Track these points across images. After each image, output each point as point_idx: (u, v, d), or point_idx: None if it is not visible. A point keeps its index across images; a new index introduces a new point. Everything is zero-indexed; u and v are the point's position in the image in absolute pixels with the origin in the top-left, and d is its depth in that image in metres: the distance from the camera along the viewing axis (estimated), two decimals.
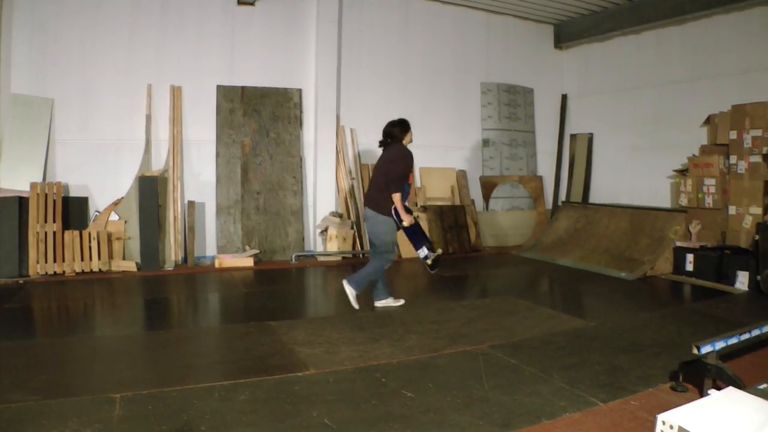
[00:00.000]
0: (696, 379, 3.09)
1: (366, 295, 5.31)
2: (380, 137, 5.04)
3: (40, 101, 6.41)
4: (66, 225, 6.21)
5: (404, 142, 4.92)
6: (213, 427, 2.63)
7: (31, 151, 6.33)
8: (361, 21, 8.15)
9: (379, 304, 5.03)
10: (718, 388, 2.61)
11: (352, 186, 7.92)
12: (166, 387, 3.08)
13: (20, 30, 6.34)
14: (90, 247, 6.20)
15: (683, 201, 7.11)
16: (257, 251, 7.19)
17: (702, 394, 2.92)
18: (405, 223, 4.76)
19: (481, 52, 9.14)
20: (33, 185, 6.07)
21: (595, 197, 9.27)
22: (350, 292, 4.87)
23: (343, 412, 2.83)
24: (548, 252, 7.98)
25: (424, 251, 4.88)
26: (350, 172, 7.96)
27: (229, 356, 3.80)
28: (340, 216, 7.69)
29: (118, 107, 6.80)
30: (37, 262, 5.96)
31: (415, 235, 4.93)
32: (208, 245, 7.26)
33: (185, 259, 6.88)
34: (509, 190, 9.26)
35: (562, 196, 9.75)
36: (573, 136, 9.79)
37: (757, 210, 6.29)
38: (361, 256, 7.60)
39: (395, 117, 5.10)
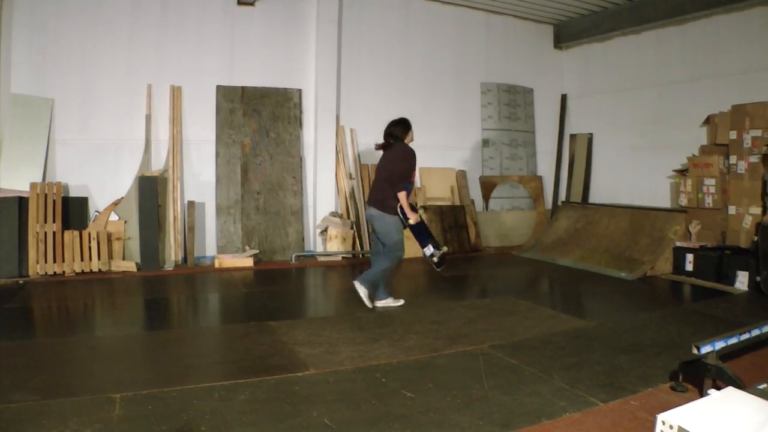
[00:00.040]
0: (696, 379, 3.09)
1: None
2: (380, 137, 5.05)
3: (40, 101, 6.41)
4: (66, 225, 6.21)
5: (406, 141, 4.93)
6: (213, 427, 2.63)
7: (31, 151, 6.33)
8: (361, 21, 8.15)
9: (379, 304, 5.03)
10: (718, 388, 2.61)
11: (352, 186, 7.92)
12: (166, 387, 3.08)
13: (20, 30, 6.34)
14: (90, 248, 6.20)
15: (683, 201, 7.11)
16: (257, 251, 7.19)
17: (702, 394, 2.92)
18: (411, 221, 4.79)
19: (481, 52, 9.14)
20: (33, 185, 6.07)
21: (595, 197, 9.27)
22: (363, 292, 4.89)
23: (343, 412, 2.83)
24: (548, 252, 7.99)
25: (430, 249, 4.90)
26: (350, 174, 7.96)
27: (229, 356, 3.80)
28: (340, 216, 7.69)
29: (118, 107, 6.80)
30: (37, 263, 5.96)
31: (421, 233, 4.95)
32: (208, 245, 7.26)
33: (185, 259, 6.88)
34: (509, 190, 9.27)
35: (562, 196, 9.75)
36: (573, 136, 9.79)
37: (757, 210, 6.29)
38: (361, 256, 7.60)
39: (395, 117, 5.10)
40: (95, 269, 6.20)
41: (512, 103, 9.47)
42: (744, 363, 3.49)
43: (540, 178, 9.56)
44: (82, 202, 6.53)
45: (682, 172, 7.31)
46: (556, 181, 9.86)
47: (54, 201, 6.10)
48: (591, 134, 9.46)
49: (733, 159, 6.60)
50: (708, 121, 7.30)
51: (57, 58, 6.51)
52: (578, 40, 9.39)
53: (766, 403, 2.34)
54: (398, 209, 4.77)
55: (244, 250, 7.16)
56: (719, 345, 3.12)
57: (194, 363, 3.62)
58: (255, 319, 4.58)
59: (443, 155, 8.70)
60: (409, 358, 3.69)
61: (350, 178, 7.89)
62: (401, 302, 5.09)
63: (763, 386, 2.51)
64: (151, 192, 6.50)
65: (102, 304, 5.24)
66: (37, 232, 5.99)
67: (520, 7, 8.86)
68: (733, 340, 3.25)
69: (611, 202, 8.61)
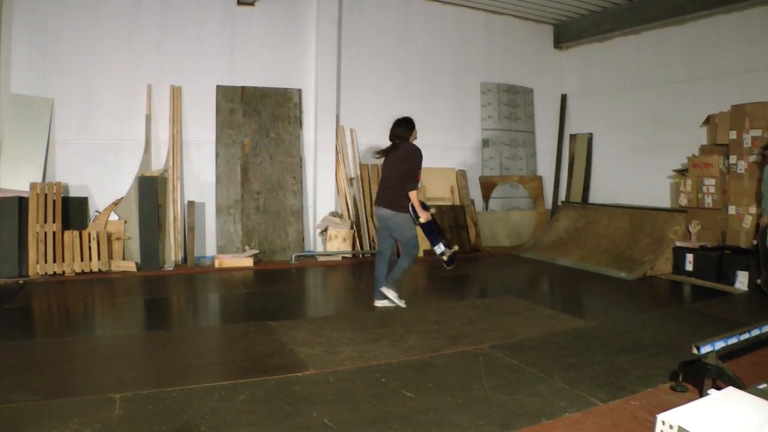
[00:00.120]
0: (696, 379, 3.09)
1: (366, 296, 5.32)
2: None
3: (40, 101, 6.41)
4: (66, 225, 6.21)
5: (410, 140, 4.94)
6: (213, 427, 2.63)
7: (31, 151, 6.33)
8: (361, 21, 8.15)
9: (379, 304, 5.03)
10: (718, 388, 2.61)
11: (352, 186, 7.91)
12: (166, 387, 3.08)
13: (20, 30, 6.34)
14: (90, 248, 6.20)
15: (683, 201, 7.11)
16: (257, 251, 7.19)
17: (702, 394, 2.92)
18: (422, 220, 4.80)
19: (481, 52, 9.14)
20: (33, 185, 6.07)
21: (595, 197, 9.27)
22: (392, 294, 4.91)
23: (343, 412, 2.83)
24: (548, 252, 7.98)
25: (440, 247, 4.91)
26: (350, 176, 7.96)
27: (229, 356, 3.80)
28: (340, 216, 7.69)
29: (118, 107, 6.80)
30: (37, 263, 5.96)
31: (432, 231, 4.96)
32: (208, 245, 7.26)
33: (185, 259, 6.88)
34: (509, 190, 9.27)
35: (562, 196, 9.75)
36: (573, 136, 9.79)
37: (757, 210, 6.29)
38: (361, 256, 7.60)
39: (395, 117, 5.10)
40: (95, 269, 6.20)
41: (512, 103, 9.47)
42: (744, 363, 3.49)
43: (540, 178, 9.56)
44: (82, 202, 6.53)
45: (682, 172, 7.32)
46: (556, 181, 9.86)
47: (54, 201, 6.10)
48: (591, 134, 9.47)
49: (733, 159, 6.60)
50: (708, 121, 7.30)
51: (57, 58, 6.51)
52: (578, 40, 9.40)
53: (766, 403, 2.34)
54: (409, 208, 4.78)
55: (244, 250, 7.16)
56: (719, 345, 3.12)
57: (194, 363, 3.62)
58: (255, 319, 4.58)
59: (443, 155, 8.70)
60: (409, 358, 3.69)
61: (350, 184, 7.88)
62: (401, 303, 5.08)
63: (763, 386, 2.51)
64: (151, 192, 6.49)
65: (102, 304, 5.24)
66: (37, 232, 5.99)
67: (520, 7, 8.87)
68: (733, 340, 3.25)
69: (611, 202, 8.62)
